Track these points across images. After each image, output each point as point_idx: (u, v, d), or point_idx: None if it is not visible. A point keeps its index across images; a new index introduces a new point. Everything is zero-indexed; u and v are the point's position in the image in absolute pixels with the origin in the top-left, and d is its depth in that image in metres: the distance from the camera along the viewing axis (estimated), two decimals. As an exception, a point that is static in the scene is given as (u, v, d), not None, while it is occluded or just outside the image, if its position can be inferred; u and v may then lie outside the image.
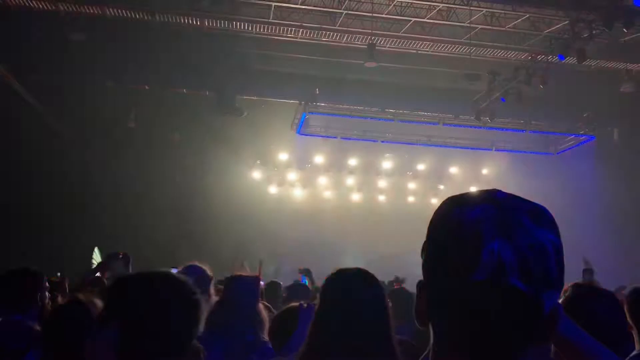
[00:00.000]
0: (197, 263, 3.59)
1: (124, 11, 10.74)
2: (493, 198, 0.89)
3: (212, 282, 3.59)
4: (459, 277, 0.84)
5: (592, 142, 14.23)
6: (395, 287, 5.83)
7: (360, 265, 2.11)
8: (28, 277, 3.18)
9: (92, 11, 10.68)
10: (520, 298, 0.82)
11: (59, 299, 3.15)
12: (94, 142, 14.39)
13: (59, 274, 5.30)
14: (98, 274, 4.44)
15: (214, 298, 3.33)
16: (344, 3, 11.17)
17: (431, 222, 0.94)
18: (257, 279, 3.17)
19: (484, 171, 17.54)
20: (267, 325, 2.92)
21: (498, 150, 15.46)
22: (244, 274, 3.27)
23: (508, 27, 11.51)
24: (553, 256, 0.86)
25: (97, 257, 5.39)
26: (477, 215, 0.86)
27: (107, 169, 14.07)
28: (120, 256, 4.63)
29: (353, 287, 1.95)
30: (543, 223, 0.87)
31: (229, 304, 3.03)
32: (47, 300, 3.24)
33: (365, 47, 11.78)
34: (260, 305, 3.07)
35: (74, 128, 14.43)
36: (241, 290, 3.06)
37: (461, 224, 0.86)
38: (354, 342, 1.84)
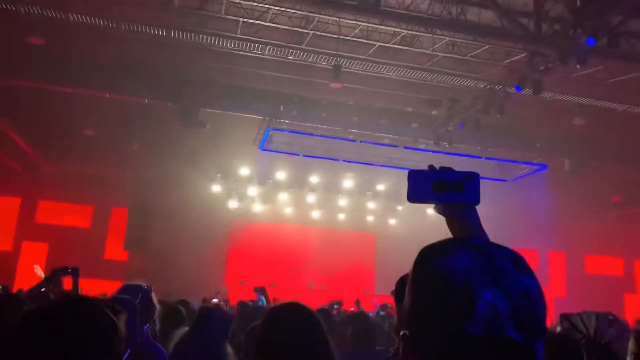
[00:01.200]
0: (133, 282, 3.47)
1: (88, 17, 10.54)
2: (471, 244, 0.88)
3: (152, 294, 3.50)
4: (454, 330, 0.80)
5: (545, 171, 14.75)
6: (353, 310, 5.89)
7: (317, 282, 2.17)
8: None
9: (54, 15, 10.44)
10: (518, 350, 0.80)
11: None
12: (50, 149, 14.04)
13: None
14: (43, 289, 4.30)
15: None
16: (311, 23, 11.29)
17: (415, 273, 0.91)
18: (231, 317, 3.13)
19: (442, 194, 17.88)
20: None
21: (456, 175, 15.77)
22: (215, 304, 3.23)
23: (469, 56, 11.86)
24: (540, 302, 0.84)
25: (39, 272, 5.19)
26: (466, 264, 0.84)
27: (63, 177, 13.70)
28: (69, 270, 4.49)
29: (287, 326, 2.00)
30: (523, 268, 0.86)
31: (201, 338, 2.97)
32: None
33: (331, 67, 11.92)
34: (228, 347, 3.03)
35: (29, 134, 14.05)
36: (215, 326, 3.02)
37: (450, 275, 0.83)
38: None
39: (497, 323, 0.79)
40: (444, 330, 0.81)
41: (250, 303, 5.76)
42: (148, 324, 3.03)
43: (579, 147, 14.23)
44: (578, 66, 8.31)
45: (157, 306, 3.19)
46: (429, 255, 0.92)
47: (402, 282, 2.03)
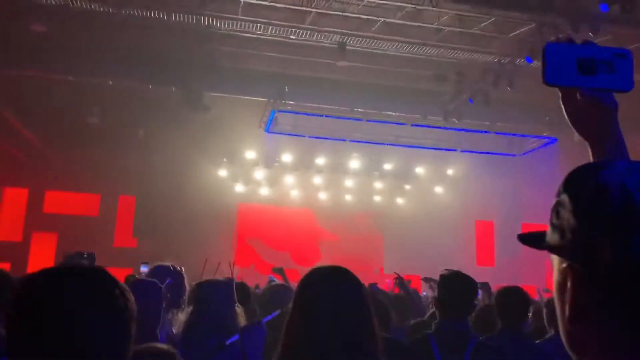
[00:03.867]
0: (165, 263, 3.46)
1: (88, 4, 10.40)
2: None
3: (184, 276, 3.46)
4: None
5: (554, 145, 14.61)
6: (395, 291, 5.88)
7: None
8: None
9: (54, 2, 10.30)
10: None
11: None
12: (55, 138, 14.00)
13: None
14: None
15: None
16: (313, 1, 11.11)
17: (581, 200, 0.77)
18: (231, 282, 3.07)
19: (449, 171, 17.80)
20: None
21: (463, 151, 15.70)
22: (217, 277, 3.16)
23: (475, 29, 11.67)
24: None
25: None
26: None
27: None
28: (85, 255, 4.45)
29: (331, 285, 1.87)
30: None
31: (205, 312, 2.91)
32: None
33: (335, 46, 11.75)
34: (237, 310, 2.98)
35: (33, 123, 13.98)
36: (216, 296, 2.95)
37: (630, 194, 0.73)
38: (336, 343, 1.77)
39: None
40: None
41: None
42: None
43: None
44: (590, 34, 8.14)
45: (188, 287, 3.14)
46: (595, 175, 0.78)
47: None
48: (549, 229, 0.82)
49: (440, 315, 3.10)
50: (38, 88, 12.38)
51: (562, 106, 1.08)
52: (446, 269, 3.21)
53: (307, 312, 1.83)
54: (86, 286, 1.29)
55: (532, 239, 0.87)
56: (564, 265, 0.80)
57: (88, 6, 10.39)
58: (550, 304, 3.91)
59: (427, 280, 6.87)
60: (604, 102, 1.05)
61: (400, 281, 5.61)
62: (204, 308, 2.93)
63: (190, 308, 3.02)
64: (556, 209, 0.81)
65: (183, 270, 3.23)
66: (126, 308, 1.32)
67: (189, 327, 2.90)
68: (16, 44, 11.12)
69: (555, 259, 0.82)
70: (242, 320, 2.94)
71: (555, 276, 0.82)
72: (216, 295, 2.97)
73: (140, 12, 10.75)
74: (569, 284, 0.78)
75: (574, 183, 0.80)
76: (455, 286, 3.08)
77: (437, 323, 3.08)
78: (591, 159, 1.08)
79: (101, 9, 10.54)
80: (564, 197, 0.80)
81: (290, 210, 18.30)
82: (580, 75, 0.98)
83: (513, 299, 3.63)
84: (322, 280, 1.88)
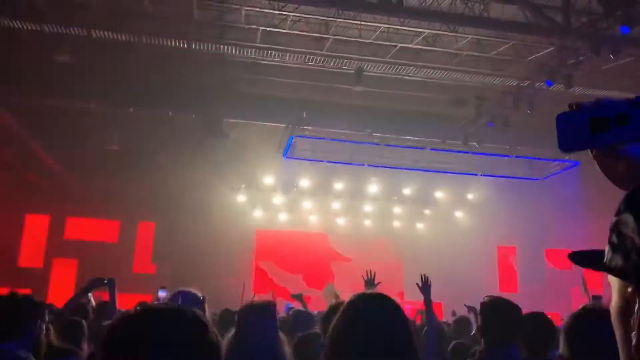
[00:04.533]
0: (187, 289, 3.39)
1: (110, 33, 10.64)
2: None
3: (206, 305, 3.40)
4: None
5: (577, 168, 14.38)
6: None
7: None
8: (25, 304, 2.99)
9: (77, 32, 10.55)
10: None
11: (52, 331, 2.96)
12: (76, 165, 14.18)
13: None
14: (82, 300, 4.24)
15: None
16: (331, 28, 11.21)
17: None
18: (273, 305, 2.96)
19: (470, 196, 17.59)
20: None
21: (484, 175, 15.52)
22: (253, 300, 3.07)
23: (493, 53, 11.65)
24: None
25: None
26: None
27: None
28: (105, 281, 4.42)
29: (375, 310, 1.80)
30: None
31: (248, 337, 2.80)
32: (42, 331, 3.03)
33: (353, 71, 11.81)
34: (282, 336, 2.87)
35: (54, 150, 14.20)
36: (260, 320, 2.84)
37: None
38: None
39: None
40: None
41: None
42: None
43: (611, 141, 13.83)
44: (612, 57, 8.04)
45: (208, 315, 3.07)
46: None
47: None
48: (607, 249, 0.76)
49: (486, 343, 3.00)
50: (59, 116, 12.61)
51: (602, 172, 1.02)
52: (488, 296, 3.12)
53: (353, 338, 1.76)
54: (188, 324, 1.29)
55: (586, 259, 0.80)
56: (629, 289, 0.73)
57: (110, 35, 10.62)
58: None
59: (470, 308, 6.72)
60: (622, 153, 0.98)
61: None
62: (246, 334, 2.81)
63: (232, 332, 2.91)
64: (617, 228, 0.75)
65: (205, 299, 3.16)
66: (219, 343, 1.34)
67: (231, 353, 2.80)
68: (40, 74, 11.39)
69: (615, 282, 0.76)
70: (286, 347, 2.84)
71: (615, 301, 0.76)
72: (261, 320, 2.86)
73: (160, 41, 10.95)
74: (636, 309, 0.72)
75: (638, 201, 0.74)
76: (500, 313, 2.97)
77: (483, 352, 2.98)
78: None
79: (123, 38, 10.76)
80: (627, 216, 0.74)
81: (308, 234, 18.21)
82: (592, 136, 0.96)
83: (537, 326, 3.40)
84: (366, 306, 1.83)
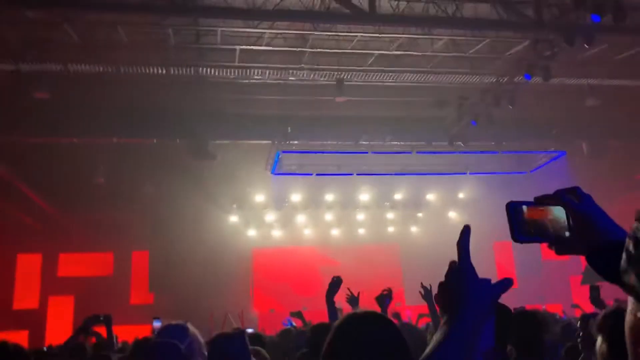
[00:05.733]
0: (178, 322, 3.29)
1: (87, 66, 10.60)
2: None
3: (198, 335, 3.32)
4: None
5: (563, 157, 14.48)
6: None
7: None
8: (15, 356, 2.92)
9: (54, 68, 10.50)
10: None
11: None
12: (64, 202, 14.05)
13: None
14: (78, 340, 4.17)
15: None
16: (308, 42, 11.25)
17: None
18: (243, 333, 2.94)
19: (461, 195, 17.64)
20: None
21: (472, 174, 15.58)
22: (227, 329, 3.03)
23: (470, 53, 11.74)
24: None
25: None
26: None
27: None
28: (101, 318, 4.36)
29: (365, 329, 1.75)
30: None
31: None
32: None
33: (334, 83, 11.84)
34: None
35: (41, 188, 14.07)
36: (232, 349, 2.81)
37: None
38: None
39: None
40: None
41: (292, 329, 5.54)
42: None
43: (595, 128, 13.97)
44: (586, 46, 8.14)
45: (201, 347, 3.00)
46: None
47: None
48: (624, 258, 0.72)
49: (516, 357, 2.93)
50: (43, 153, 12.51)
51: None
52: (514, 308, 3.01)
53: (342, 352, 1.72)
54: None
55: (604, 267, 0.76)
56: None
57: (87, 68, 10.58)
58: (585, 321, 3.68)
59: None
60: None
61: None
62: None
63: None
64: (635, 236, 0.71)
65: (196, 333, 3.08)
66: None
67: None
68: (20, 112, 11.31)
69: (630, 299, 0.72)
70: None
71: (629, 319, 0.72)
72: (232, 349, 2.84)
73: (137, 69, 10.93)
74: None
75: None
76: (526, 325, 2.90)
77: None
78: None
79: (100, 69, 10.72)
80: None
81: (305, 249, 18.13)
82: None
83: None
84: (357, 328, 1.77)
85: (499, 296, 1.09)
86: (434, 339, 1.09)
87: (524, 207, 1.07)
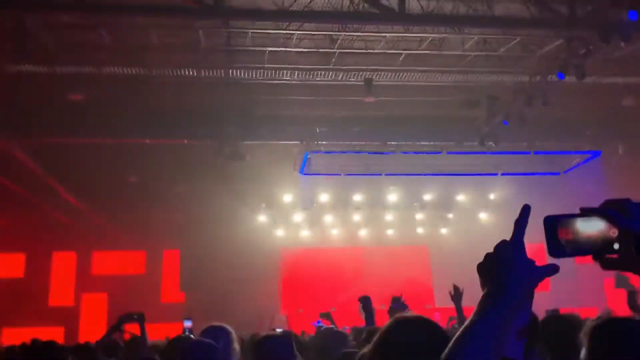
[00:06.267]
0: (219, 323, 3.35)
1: (120, 68, 10.82)
2: None
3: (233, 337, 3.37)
4: None
5: (598, 158, 14.12)
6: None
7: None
8: (45, 353, 2.99)
9: (88, 71, 10.76)
10: None
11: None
12: (97, 200, 14.37)
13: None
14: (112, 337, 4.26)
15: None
16: (336, 42, 11.25)
17: None
18: (290, 335, 2.96)
19: (492, 196, 17.38)
20: None
21: (504, 174, 15.33)
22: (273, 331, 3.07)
23: (502, 51, 11.56)
24: None
25: None
26: None
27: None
28: (135, 316, 4.45)
29: (415, 335, 1.72)
30: None
31: None
32: None
33: (362, 83, 11.81)
34: None
35: (75, 187, 14.42)
36: (278, 351, 2.83)
37: None
38: None
39: None
40: None
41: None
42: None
43: (631, 128, 13.58)
44: (622, 44, 7.91)
45: (237, 349, 3.05)
46: None
47: None
48: None
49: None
50: (78, 153, 12.82)
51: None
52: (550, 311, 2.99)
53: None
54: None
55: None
56: None
57: (120, 70, 10.80)
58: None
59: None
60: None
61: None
62: None
63: None
64: None
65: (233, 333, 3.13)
66: None
67: None
68: (56, 114, 11.62)
69: None
70: None
71: None
72: (279, 350, 2.85)
73: (169, 71, 11.10)
74: None
75: None
76: (561, 328, 2.86)
77: None
78: None
79: (132, 72, 10.93)
80: None
81: (333, 250, 18.12)
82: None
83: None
84: (405, 333, 1.74)
85: (543, 278, 1.09)
86: (476, 310, 1.08)
87: (563, 221, 1.02)
